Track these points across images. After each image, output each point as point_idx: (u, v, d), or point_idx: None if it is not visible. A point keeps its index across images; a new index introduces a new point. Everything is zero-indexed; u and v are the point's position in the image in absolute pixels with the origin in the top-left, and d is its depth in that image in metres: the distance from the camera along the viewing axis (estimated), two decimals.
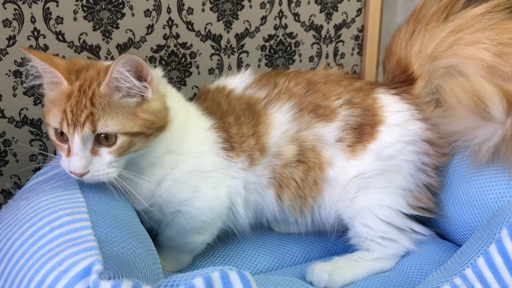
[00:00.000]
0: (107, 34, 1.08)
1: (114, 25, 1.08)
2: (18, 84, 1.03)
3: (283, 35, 1.27)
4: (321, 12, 1.29)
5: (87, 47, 1.07)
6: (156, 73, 0.81)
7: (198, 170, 0.85)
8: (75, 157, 0.74)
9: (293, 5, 1.25)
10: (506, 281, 0.66)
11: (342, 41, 1.35)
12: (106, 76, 0.73)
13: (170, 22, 1.12)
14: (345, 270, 0.86)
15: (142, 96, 0.76)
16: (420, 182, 0.89)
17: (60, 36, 1.04)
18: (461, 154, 0.92)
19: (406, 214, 0.89)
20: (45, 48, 1.03)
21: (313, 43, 1.31)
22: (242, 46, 1.22)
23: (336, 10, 1.31)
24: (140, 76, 0.74)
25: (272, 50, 1.26)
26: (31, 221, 0.69)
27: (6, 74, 1.02)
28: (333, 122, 0.89)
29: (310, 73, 0.96)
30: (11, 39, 1.00)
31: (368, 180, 0.88)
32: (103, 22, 1.07)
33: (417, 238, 0.91)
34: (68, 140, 0.75)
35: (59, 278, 0.58)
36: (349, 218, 0.91)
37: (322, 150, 0.89)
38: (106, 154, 0.75)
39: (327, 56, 1.33)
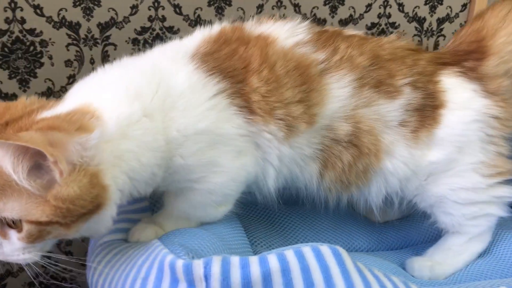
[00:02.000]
0: (88, 12, 0.97)
1: (96, 2, 0.97)
2: None
3: (385, 24, 1.18)
4: (425, 4, 1.19)
5: (66, 23, 0.96)
6: (85, 143, 0.56)
7: (212, 138, 0.66)
8: None
9: None
10: None
11: (443, 35, 1.24)
12: None
13: (156, 4, 1.00)
14: (444, 264, 0.78)
15: (32, 187, 0.55)
16: (490, 152, 0.77)
17: (38, 10, 0.94)
18: None
19: (486, 186, 0.77)
20: (22, 21, 0.93)
21: (414, 35, 1.21)
22: None
23: (441, 4, 1.20)
24: (41, 157, 0.54)
25: None
26: None
27: None
28: (397, 100, 0.75)
29: (375, 43, 0.78)
30: None
31: (435, 165, 0.77)
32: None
33: (508, 200, 0.79)
34: None
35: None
36: (426, 207, 0.81)
37: (381, 134, 0.75)
38: (15, 239, 0.58)
39: (426, 49, 1.22)
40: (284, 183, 0.76)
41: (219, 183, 0.68)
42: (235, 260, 0.53)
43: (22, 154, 0.53)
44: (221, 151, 0.67)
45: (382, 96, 0.74)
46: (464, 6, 1.23)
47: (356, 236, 0.88)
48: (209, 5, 1.05)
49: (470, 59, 0.80)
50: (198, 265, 0.53)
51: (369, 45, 0.77)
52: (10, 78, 0.96)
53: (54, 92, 1.00)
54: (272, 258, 0.53)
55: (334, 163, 0.75)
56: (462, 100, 0.77)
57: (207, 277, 0.52)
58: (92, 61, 1.00)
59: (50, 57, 0.97)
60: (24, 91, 0.98)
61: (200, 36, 0.73)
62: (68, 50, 0.98)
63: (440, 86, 0.77)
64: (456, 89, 0.77)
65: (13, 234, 0.58)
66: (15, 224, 0.57)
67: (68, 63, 0.99)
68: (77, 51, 0.99)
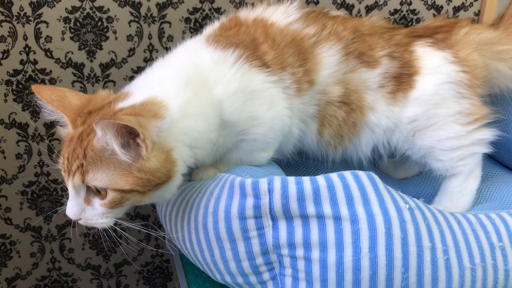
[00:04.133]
0: (91, 54, 1.13)
1: (98, 46, 1.13)
2: (9, 92, 1.11)
3: (406, 11, 1.32)
4: None
5: (72, 64, 1.13)
6: (162, 127, 0.69)
7: (244, 96, 0.79)
8: (69, 203, 0.70)
9: None
10: None
11: None
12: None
13: (150, 47, 1.16)
14: (454, 207, 0.91)
15: (129, 158, 0.67)
16: (464, 104, 0.91)
17: (48, 53, 1.10)
18: None
19: (466, 132, 0.91)
20: (35, 62, 1.10)
21: None
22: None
23: None
24: (130, 136, 0.66)
25: (395, 24, 1.31)
26: None
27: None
28: (376, 69, 0.89)
29: (356, 21, 0.94)
30: (5, 53, 1.09)
31: (417, 122, 0.90)
32: (88, 43, 1.12)
33: (488, 140, 0.93)
34: None
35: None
36: (419, 158, 0.94)
37: (364, 94, 0.89)
38: (98, 205, 0.70)
39: None
40: (298, 140, 0.91)
41: (260, 133, 0.82)
42: (291, 179, 0.68)
43: (120, 132, 0.66)
44: (255, 105, 0.80)
45: (363, 65, 0.88)
46: None
47: None
48: None
49: (441, 32, 0.94)
50: (263, 182, 0.68)
51: (352, 22, 0.91)
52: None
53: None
54: (320, 178, 0.68)
55: (330, 122, 0.89)
56: (434, 65, 0.90)
57: (270, 191, 0.67)
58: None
59: None
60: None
61: (205, 32, 0.89)
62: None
63: (415, 55, 0.91)
64: (428, 56, 0.91)
65: (96, 201, 0.69)
66: (100, 193, 0.69)
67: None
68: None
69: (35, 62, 1.12)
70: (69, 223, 1.29)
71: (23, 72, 1.12)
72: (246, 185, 0.69)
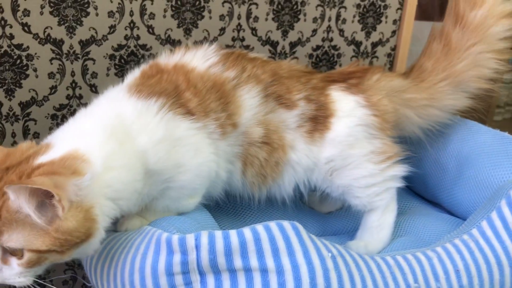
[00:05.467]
0: (70, 30, 1.10)
1: (78, 22, 1.09)
2: None
3: (328, 47, 1.38)
4: (362, 30, 1.40)
5: (51, 40, 1.09)
6: (80, 184, 0.68)
7: (169, 144, 0.80)
8: None
9: (339, 22, 1.35)
10: (503, 238, 0.80)
11: (376, 56, 1.46)
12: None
13: (131, 25, 1.15)
14: (374, 240, 0.96)
15: (44, 221, 0.66)
16: (376, 144, 0.96)
17: (26, 28, 1.06)
18: (469, 145, 1.04)
19: (379, 170, 0.96)
20: (11, 37, 1.05)
21: (352, 56, 1.42)
22: (294, 53, 1.33)
23: (375, 30, 1.42)
24: (45, 196, 0.65)
25: (317, 59, 1.37)
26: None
27: None
28: (293, 110, 0.93)
29: (274, 64, 0.98)
30: None
31: (334, 162, 0.95)
32: (68, 18, 1.08)
33: (400, 175, 0.99)
34: None
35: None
36: (338, 195, 0.99)
37: (284, 133, 0.93)
38: (15, 265, 0.68)
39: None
40: (226, 182, 0.92)
41: (186, 180, 0.83)
42: (218, 233, 0.69)
43: (36, 193, 0.64)
44: (180, 153, 0.81)
45: (282, 107, 0.93)
46: (394, 32, 1.45)
47: (304, 223, 1.04)
48: (178, 27, 1.21)
49: (354, 77, 1.01)
50: (190, 238, 0.68)
51: (270, 66, 0.96)
52: None
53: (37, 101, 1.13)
54: (247, 231, 0.69)
55: (252, 162, 0.92)
56: (347, 109, 0.96)
57: (197, 247, 0.68)
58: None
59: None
60: (10, 100, 1.10)
61: (126, 81, 0.90)
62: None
63: (330, 98, 0.97)
64: (342, 100, 0.97)
65: (13, 260, 0.68)
66: (16, 253, 0.68)
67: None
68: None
69: (11, 36, 1.05)
70: None
71: None
72: (173, 241, 0.69)
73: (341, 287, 0.70)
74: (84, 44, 1.13)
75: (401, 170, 0.99)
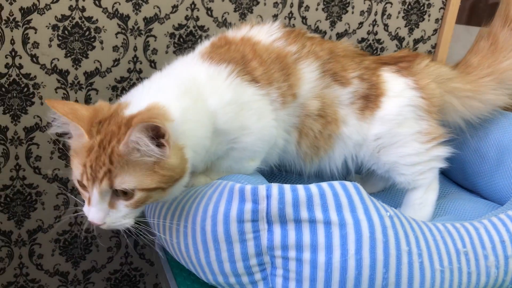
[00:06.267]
0: (137, 7, 1.17)
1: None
2: None
3: (372, 40, 1.43)
4: (405, 26, 1.45)
5: (118, 15, 1.16)
6: (176, 128, 0.75)
7: (237, 107, 0.86)
8: (93, 209, 0.74)
9: (385, 17, 1.41)
10: None
11: None
12: (125, 136, 0.71)
13: (192, 6, 1.21)
14: (416, 217, 0.96)
15: (160, 154, 0.72)
16: (423, 125, 1.02)
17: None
18: (509, 135, 1.09)
19: (425, 150, 1.01)
20: (20, 67, 1.12)
21: (394, 51, 1.47)
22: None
23: (417, 27, 1.47)
24: (157, 135, 0.71)
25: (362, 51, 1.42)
26: None
27: None
28: (347, 87, 0.99)
29: (331, 43, 1.04)
30: None
31: (383, 140, 1.00)
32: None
33: (444, 156, 1.04)
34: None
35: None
36: (384, 173, 1.04)
37: (338, 108, 0.99)
38: (123, 207, 0.74)
39: None
40: (282, 152, 0.98)
41: (249, 142, 0.89)
42: (287, 186, 0.75)
43: (150, 133, 0.70)
44: (246, 116, 0.87)
45: (337, 83, 0.98)
46: (435, 31, 1.51)
47: None
48: (235, 11, 1.28)
49: (404, 61, 1.07)
50: (262, 189, 0.74)
51: (327, 44, 1.02)
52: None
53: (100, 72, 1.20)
54: (313, 186, 0.75)
55: (307, 133, 0.97)
56: (397, 89, 1.02)
57: (268, 197, 0.74)
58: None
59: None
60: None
61: (197, 50, 0.97)
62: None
63: (381, 78, 1.03)
64: (393, 81, 1.03)
65: (121, 203, 0.74)
66: (125, 195, 0.73)
67: None
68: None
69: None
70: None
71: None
72: (246, 190, 0.75)
73: (397, 244, 0.75)
74: (148, 21, 1.20)
75: (445, 151, 1.04)
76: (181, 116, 0.78)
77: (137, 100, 0.80)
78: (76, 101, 1.21)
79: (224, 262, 0.78)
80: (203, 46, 0.97)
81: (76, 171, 0.75)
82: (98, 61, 1.19)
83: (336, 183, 0.76)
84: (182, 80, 0.86)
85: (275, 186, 0.74)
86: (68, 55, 1.16)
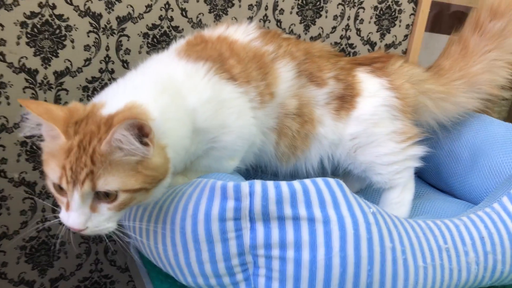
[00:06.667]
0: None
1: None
2: None
3: (345, 44, 1.44)
4: (377, 31, 1.47)
5: (90, 14, 1.13)
6: (157, 127, 0.72)
7: (216, 104, 0.84)
8: (74, 214, 0.69)
9: (357, 22, 1.42)
10: None
11: None
12: (108, 135, 0.67)
13: (167, 6, 1.19)
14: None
15: (144, 153, 0.69)
16: (398, 124, 1.03)
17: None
18: (482, 136, 1.10)
19: (400, 149, 1.02)
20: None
21: None
22: None
23: (389, 33, 1.49)
24: (141, 134, 0.69)
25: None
26: None
27: None
28: (323, 88, 1.00)
29: (307, 44, 1.04)
30: None
31: (359, 139, 1.01)
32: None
33: (419, 155, 1.05)
34: (67, 194, 0.69)
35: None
36: (360, 173, 1.05)
37: (314, 108, 0.99)
38: (105, 210, 0.70)
39: None
40: (258, 153, 0.97)
41: (229, 141, 0.87)
42: (270, 183, 0.73)
43: (134, 131, 0.67)
44: (225, 114, 0.86)
45: (313, 84, 0.98)
46: (406, 36, 1.53)
47: None
48: (210, 12, 1.26)
49: (378, 61, 1.09)
50: (245, 185, 0.72)
51: (303, 45, 1.02)
52: None
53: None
54: (296, 183, 0.73)
55: (286, 133, 0.97)
56: (372, 90, 1.03)
57: (251, 194, 0.72)
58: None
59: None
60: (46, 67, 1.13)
61: (173, 47, 0.95)
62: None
63: (356, 79, 1.04)
64: (368, 81, 1.05)
65: (103, 206, 0.70)
66: (107, 197, 0.69)
67: None
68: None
69: None
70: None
71: None
72: (228, 188, 0.73)
73: (381, 241, 0.74)
74: (121, 20, 1.17)
75: (420, 150, 1.05)
76: (161, 115, 0.76)
77: (112, 100, 0.77)
78: (46, 101, 1.16)
79: (205, 263, 0.75)
80: (179, 44, 0.95)
81: (53, 174, 0.70)
82: (69, 60, 1.15)
83: (319, 180, 0.75)
84: (159, 78, 0.84)
85: (258, 183, 0.72)
86: (37, 53, 1.11)
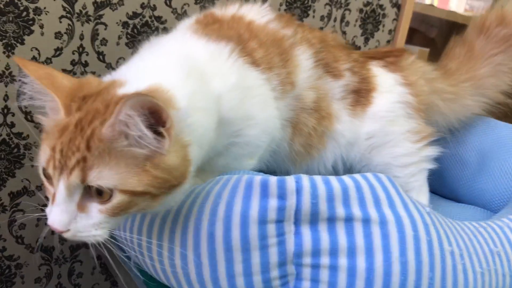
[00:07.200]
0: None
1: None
2: None
3: None
4: (361, 36, 1.42)
5: None
6: (183, 118, 0.58)
7: (241, 92, 0.73)
8: (56, 209, 0.55)
9: (343, 24, 1.36)
10: None
11: None
12: (112, 115, 0.53)
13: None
14: None
15: (156, 147, 0.55)
16: (411, 124, 0.95)
17: None
18: (490, 139, 1.06)
19: (416, 149, 0.95)
20: None
21: None
22: None
23: (373, 37, 1.44)
24: (157, 122, 0.54)
25: None
26: None
27: None
28: (340, 80, 0.90)
29: (321, 32, 0.96)
30: None
31: (375, 139, 0.93)
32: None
33: (433, 156, 0.98)
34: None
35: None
36: None
37: (331, 103, 0.90)
38: (96, 212, 0.55)
39: None
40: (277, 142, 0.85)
41: (253, 135, 0.76)
42: (318, 177, 0.62)
43: (145, 114, 0.53)
44: (251, 104, 0.75)
45: (329, 75, 0.89)
46: (388, 42, 1.49)
47: None
48: (196, 3, 1.14)
49: (391, 56, 1.02)
50: (290, 180, 0.60)
51: (318, 33, 0.94)
52: None
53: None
54: (346, 178, 0.63)
55: (301, 129, 0.86)
56: (388, 84, 0.96)
57: (298, 190, 0.60)
58: None
59: None
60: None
61: (184, 25, 0.83)
62: None
63: (371, 72, 0.96)
64: (382, 76, 0.97)
65: (94, 206, 0.55)
66: (100, 196, 0.55)
67: None
68: None
69: None
70: None
71: None
72: (270, 184, 0.61)
73: (440, 243, 0.65)
74: (99, 6, 1.02)
75: (434, 151, 0.98)
76: (188, 104, 0.61)
77: (132, 79, 0.62)
78: (6, 96, 0.98)
79: (237, 276, 0.62)
80: (189, 22, 0.83)
81: (43, 156, 0.57)
82: (36, 48, 0.98)
83: (369, 175, 0.65)
84: (181, 58, 0.70)
85: (305, 177, 0.61)
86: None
